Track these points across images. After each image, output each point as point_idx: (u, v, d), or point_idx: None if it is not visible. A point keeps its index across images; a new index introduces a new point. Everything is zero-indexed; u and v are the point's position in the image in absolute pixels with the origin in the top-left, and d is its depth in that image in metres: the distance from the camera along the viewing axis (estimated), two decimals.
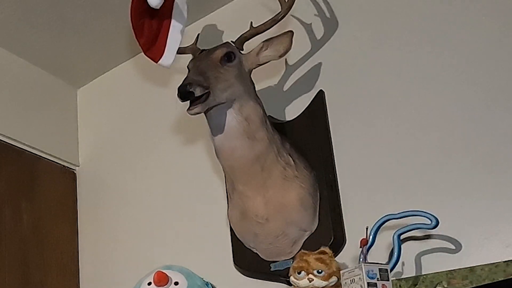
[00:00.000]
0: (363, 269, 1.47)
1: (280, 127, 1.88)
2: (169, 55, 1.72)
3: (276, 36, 1.77)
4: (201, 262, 1.89)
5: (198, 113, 1.66)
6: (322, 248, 1.63)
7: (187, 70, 1.75)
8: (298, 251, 1.72)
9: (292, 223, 1.79)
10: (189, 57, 1.83)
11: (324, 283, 1.57)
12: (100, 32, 2.30)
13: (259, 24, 1.77)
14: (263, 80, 2.01)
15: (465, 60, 1.74)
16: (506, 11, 1.71)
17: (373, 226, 1.58)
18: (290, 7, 1.77)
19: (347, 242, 1.78)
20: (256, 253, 1.88)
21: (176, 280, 1.57)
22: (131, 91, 2.41)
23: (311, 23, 2.01)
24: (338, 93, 1.91)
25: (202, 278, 1.65)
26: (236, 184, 1.80)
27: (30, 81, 2.39)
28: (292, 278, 1.61)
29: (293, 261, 1.65)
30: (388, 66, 1.86)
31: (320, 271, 1.57)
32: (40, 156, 2.34)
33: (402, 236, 1.58)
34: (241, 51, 1.79)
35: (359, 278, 1.47)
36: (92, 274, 2.30)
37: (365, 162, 1.82)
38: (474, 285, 1.55)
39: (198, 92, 1.63)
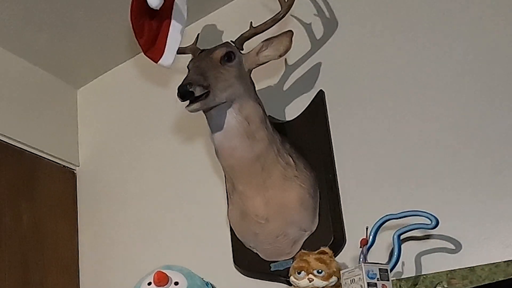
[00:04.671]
0: (363, 269, 1.47)
1: (280, 127, 1.88)
2: (169, 55, 1.72)
3: (276, 36, 1.77)
4: (201, 262, 1.90)
5: (197, 110, 1.66)
6: (322, 248, 1.63)
7: (187, 70, 1.75)
8: (298, 251, 1.72)
9: (292, 223, 1.79)
10: (189, 57, 1.83)
11: (324, 283, 1.57)
12: (100, 32, 2.30)
13: (259, 24, 1.78)
14: (263, 80, 2.01)
15: (465, 60, 1.74)
16: (507, 10, 1.71)
17: (373, 226, 1.58)
18: (290, 7, 1.77)
19: (347, 242, 1.78)
20: (256, 253, 1.88)
21: (176, 280, 1.58)
22: (131, 91, 2.41)
23: (310, 23, 2.01)
24: (338, 93, 1.91)
25: (202, 278, 1.65)
26: (236, 184, 1.80)
27: (30, 81, 2.39)
28: (292, 278, 1.61)
29: (293, 261, 1.65)
30: (388, 66, 1.86)
31: (320, 271, 1.57)
32: (40, 156, 2.34)
33: (402, 236, 1.58)
34: (241, 51, 1.79)
35: (359, 278, 1.47)
36: (92, 274, 2.30)
37: (365, 162, 1.82)
38: (474, 285, 1.55)
39: (198, 92, 1.63)
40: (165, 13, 1.71)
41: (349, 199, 1.82)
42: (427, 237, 1.65)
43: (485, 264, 1.56)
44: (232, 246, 1.95)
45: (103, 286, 2.25)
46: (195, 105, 1.64)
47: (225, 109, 1.71)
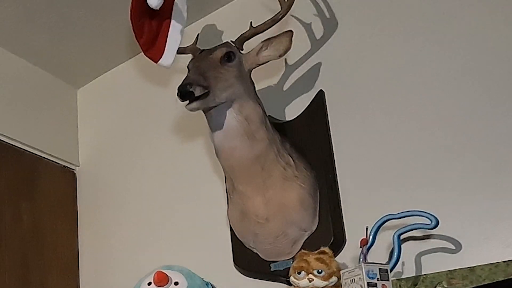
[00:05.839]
0: (363, 269, 1.47)
1: (280, 127, 1.88)
2: (169, 55, 1.72)
3: (276, 36, 1.77)
4: (201, 262, 1.90)
5: (196, 109, 1.67)
6: (322, 248, 1.63)
7: (187, 70, 1.75)
8: (298, 251, 1.72)
9: (292, 223, 1.79)
10: (189, 57, 1.83)
11: (324, 283, 1.57)
12: (100, 32, 2.30)
13: (259, 24, 1.78)
14: (263, 80, 2.01)
15: (465, 60, 1.74)
16: (508, 10, 1.71)
17: (373, 226, 1.58)
18: (290, 7, 1.77)
19: (347, 242, 1.78)
20: (256, 253, 1.88)
21: (176, 280, 1.58)
22: (131, 91, 2.41)
23: (310, 23, 2.01)
24: (338, 93, 1.91)
25: (202, 278, 1.65)
26: (236, 184, 1.80)
27: (30, 81, 2.39)
28: (292, 278, 1.61)
29: (293, 261, 1.65)
30: (388, 66, 1.86)
31: (320, 271, 1.57)
32: (40, 156, 2.34)
33: (402, 236, 1.58)
34: (241, 51, 1.79)
35: (359, 278, 1.47)
36: (92, 274, 2.30)
37: (365, 162, 1.82)
38: (474, 285, 1.55)
39: (198, 92, 1.63)
40: (165, 13, 1.71)
41: (349, 199, 1.82)
42: (427, 237, 1.65)
43: (485, 264, 1.56)
44: (232, 246, 1.95)
45: (103, 286, 2.25)
46: (194, 104, 1.64)
47: (225, 109, 1.71)
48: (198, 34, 1.94)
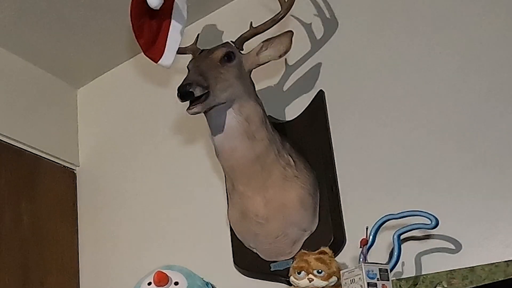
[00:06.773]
0: (363, 269, 1.47)
1: (280, 127, 1.88)
2: (169, 55, 1.72)
3: (276, 36, 1.77)
4: (201, 262, 1.90)
5: (197, 113, 1.67)
6: (322, 248, 1.63)
7: (187, 70, 1.75)
8: (298, 251, 1.72)
9: (292, 223, 1.79)
10: (189, 57, 1.83)
11: (324, 283, 1.57)
12: (100, 32, 2.30)
13: (259, 24, 1.78)
14: (263, 80, 2.01)
15: (464, 59, 1.74)
16: (506, 10, 1.71)
17: (373, 226, 1.58)
18: (290, 7, 1.77)
19: (347, 242, 1.78)
20: (256, 253, 1.88)
21: (176, 280, 1.58)
22: (131, 91, 2.42)
23: (311, 23, 2.01)
24: (338, 93, 1.91)
25: (202, 278, 1.65)
26: (236, 184, 1.80)
27: (30, 81, 2.39)
28: (292, 278, 1.61)
29: (293, 261, 1.65)
30: (388, 66, 1.86)
31: (320, 271, 1.57)
32: (40, 156, 2.34)
33: (402, 236, 1.58)
34: (241, 51, 1.79)
35: (359, 278, 1.47)
36: (92, 274, 2.30)
37: (365, 162, 1.82)
38: (474, 285, 1.55)
39: (198, 92, 1.63)
40: (165, 13, 1.71)
41: (349, 199, 1.82)
42: (427, 237, 1.65)
43: (485, 264, 1.56)
44: (232, 246, 1.95)
45: (103, 286, 2.25)
46: (195, 109, 1.64)
47: (225, 110, 1.71)
48: (198, 34, 1.94)
